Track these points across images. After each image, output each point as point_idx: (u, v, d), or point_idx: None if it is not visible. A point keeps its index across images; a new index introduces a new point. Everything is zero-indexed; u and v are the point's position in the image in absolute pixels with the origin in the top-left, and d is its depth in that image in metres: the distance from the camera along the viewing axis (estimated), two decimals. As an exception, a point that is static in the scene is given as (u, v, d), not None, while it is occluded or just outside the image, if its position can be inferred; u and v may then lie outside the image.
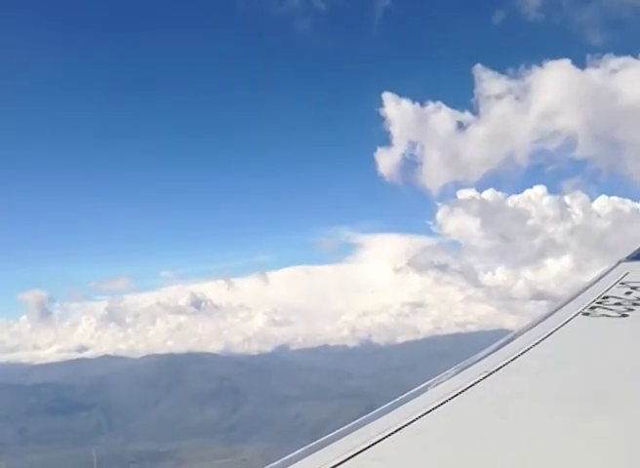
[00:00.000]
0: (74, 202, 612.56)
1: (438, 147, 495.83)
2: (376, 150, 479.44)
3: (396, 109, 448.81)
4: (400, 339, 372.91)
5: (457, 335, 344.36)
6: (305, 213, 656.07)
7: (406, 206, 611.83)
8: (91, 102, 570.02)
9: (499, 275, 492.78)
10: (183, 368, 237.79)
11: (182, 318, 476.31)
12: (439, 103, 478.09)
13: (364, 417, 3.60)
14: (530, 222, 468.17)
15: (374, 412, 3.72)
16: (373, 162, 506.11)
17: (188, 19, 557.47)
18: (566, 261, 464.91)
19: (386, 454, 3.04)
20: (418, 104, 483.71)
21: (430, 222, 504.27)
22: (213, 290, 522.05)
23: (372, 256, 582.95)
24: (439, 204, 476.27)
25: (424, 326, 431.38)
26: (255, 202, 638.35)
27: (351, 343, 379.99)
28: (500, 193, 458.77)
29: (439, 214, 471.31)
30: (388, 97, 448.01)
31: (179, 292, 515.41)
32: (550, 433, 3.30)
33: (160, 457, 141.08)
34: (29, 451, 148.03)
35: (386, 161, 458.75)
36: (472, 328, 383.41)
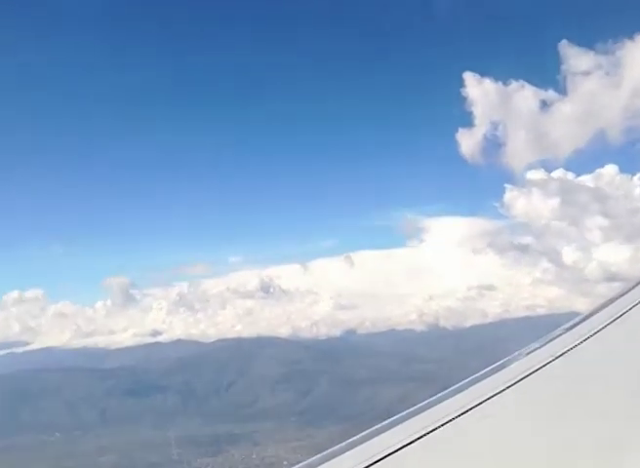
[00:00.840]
0: (156, 190, 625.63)
1: (522, 127, 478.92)
2: (457, 131, 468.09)
3: (478, 89, 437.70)
4: (468, 323, 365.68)
5: (526, 319, 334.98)
6: (372, 196, 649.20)
7: (475, 188, 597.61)
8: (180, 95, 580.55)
9: (570, 256, 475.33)
10: (254, 352, 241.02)
11: (250, 302, 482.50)
12: (522, 82, 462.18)
13: (429, 400, 3.62)
14: (602, 202, 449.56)
15: (439, 396, 3.74)
16: (452, 143, 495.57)
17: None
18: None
19: (452, 438, 3.05)
20: (500, 83, 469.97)
21: (497, 204, 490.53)
22: (281, 274, 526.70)
23: (437, 239, 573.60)
24: (507, 185, 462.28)
25: (493, 309, 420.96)
26: (323, 186, 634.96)
27: (419, 327, 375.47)
28: (570, 173, 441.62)
29: (507, 196, 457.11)
30: (470, 77, 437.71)
31: (247, 278, 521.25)
32: (622, 416, 3.28)
33: (236, 439, 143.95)
34: (111, 433, 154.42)
35: (468, 142, 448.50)
36: (542, 311, 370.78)
